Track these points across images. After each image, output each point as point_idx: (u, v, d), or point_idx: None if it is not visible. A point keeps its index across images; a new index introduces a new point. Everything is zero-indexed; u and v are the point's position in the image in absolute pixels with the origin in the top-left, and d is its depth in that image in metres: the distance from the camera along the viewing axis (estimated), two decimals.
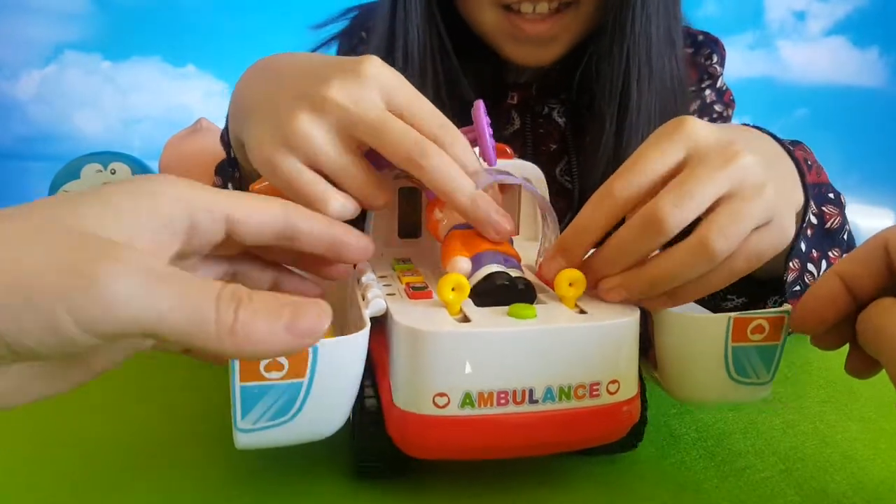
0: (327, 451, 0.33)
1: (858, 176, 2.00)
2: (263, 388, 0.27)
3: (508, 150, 0.43)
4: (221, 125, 0.66)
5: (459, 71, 0.62)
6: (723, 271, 0.31)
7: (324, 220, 0.30)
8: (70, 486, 0.34)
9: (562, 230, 0.35)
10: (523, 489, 0.34)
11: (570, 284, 0.31)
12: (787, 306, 0.32)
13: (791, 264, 0.44)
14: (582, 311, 0.31)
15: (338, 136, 0.34)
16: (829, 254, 0.47)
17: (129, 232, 0.23)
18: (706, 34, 0.71)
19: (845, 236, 0.49)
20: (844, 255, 0.35)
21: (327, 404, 0.29)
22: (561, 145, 0.66)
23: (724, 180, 0.31)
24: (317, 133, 0.34)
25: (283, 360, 0.27)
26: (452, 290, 0.30)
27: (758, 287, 0.47)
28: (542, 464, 0.36)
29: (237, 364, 0.26)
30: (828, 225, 0.47)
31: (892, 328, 0.27)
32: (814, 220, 0.45)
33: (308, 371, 0.27)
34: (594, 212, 0.32)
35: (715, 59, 0.71)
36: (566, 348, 0.29)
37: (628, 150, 0.57)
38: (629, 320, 0.31)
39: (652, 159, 0.31)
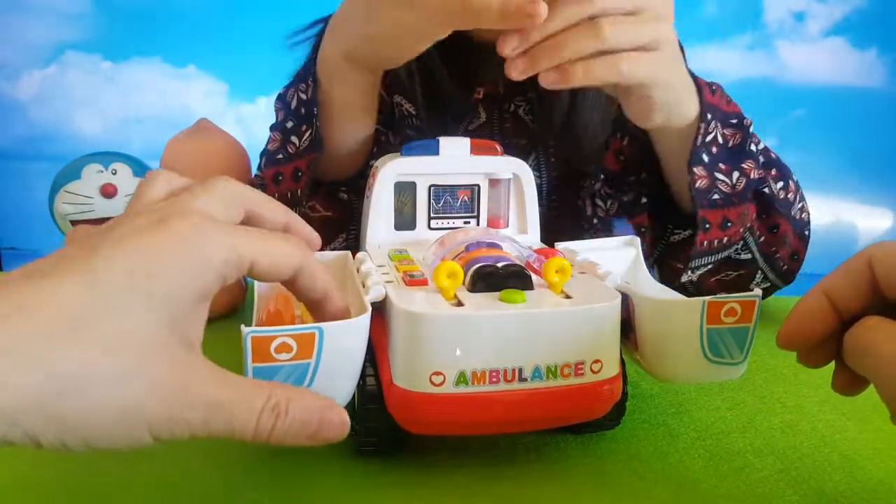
0: None
1: (858, 176, 2.01)
2: (274, 368, 0.29)
3: (498, 147, 0.45)
4: (222, 125, 0.66)
5: (436, 59, 0.66)
6: (608, 65, 0.42)
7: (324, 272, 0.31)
8: (68, 478, 0.34)
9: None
10: (521, 486, 0.34)
11: (557, 272, 0.34)
12: (757, 291, 0.33)
13: (696, 171, 0.53)
14: (568, 297, 0.34)
15: None
16: (742, 166, 0.55)
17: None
18: None
19: (753, 148, 0.57)
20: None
21: (333, 383, 0.30)
22: (529, 141, 0.70)
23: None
24: None
25: (291, 342, 0.28)
26: (448, 277, 0.32)
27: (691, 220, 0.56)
28: (540, 460, 0.36)
29: (249, 346, 0.28)
30: (730, 144, 0.56)
31: (880, 346, 0.27)
32: (719, 138, 0.54)
33: (315, 352, 0.29)
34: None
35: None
36: (552, 330, 0.32)
37: (583, 103, 0.65)
38: (611, 304, 0.33)
39: None
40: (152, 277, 0.24)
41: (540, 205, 0.71)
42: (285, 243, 0.29)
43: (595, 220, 0.75)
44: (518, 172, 0.45)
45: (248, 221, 0.30)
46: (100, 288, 0.24)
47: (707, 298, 0.33)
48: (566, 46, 0.41)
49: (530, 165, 0.71)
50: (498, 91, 0.69)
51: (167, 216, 0.26)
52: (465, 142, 0.43)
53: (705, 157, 0.53)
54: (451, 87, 0.67)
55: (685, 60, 0.53)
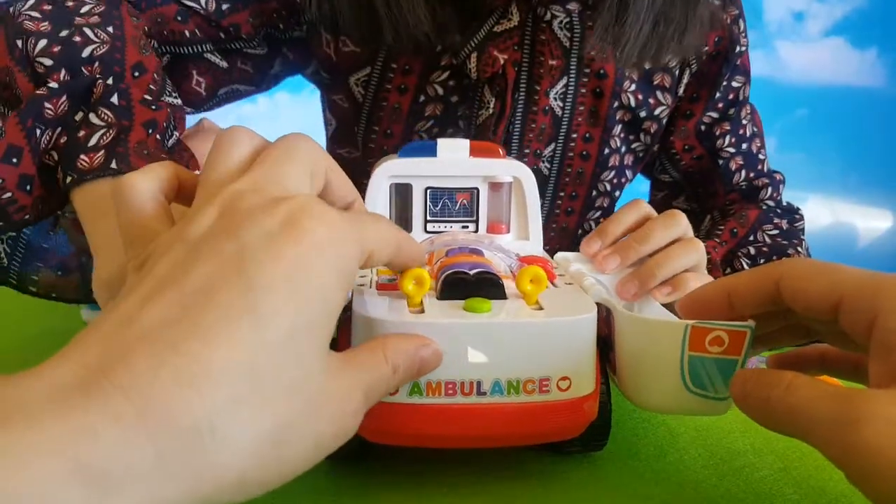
0: None
1: (858, 176, 2.01)
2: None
3: (501, 150, 0.43)
4: (222, 125, 0.66)
5: None
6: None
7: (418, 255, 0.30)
8: None
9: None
10: (519, 486, 0.34)
11: (531, 281, 0.32)
12: (750, 321, 0.31)
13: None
14: (541, 308, 0.32)
15: None
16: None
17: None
18: None
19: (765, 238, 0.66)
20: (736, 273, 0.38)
21: None
22: (562, 63, 0.62)
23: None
24: None
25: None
26: (414, 283, 0.30)
27: None
28: (539, 460, 0.36)
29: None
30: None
31: (813, 408, 0.25)
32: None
33: None
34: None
35: (742, 25, 0.68)
36: (515, 343, 0.30)
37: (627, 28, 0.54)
38: (582, 318, 0.31)
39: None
40: (310, 304, 0.22)
41: (559, 143, 0.65)
42: (387, 225, 0.28)
43: (623, 169, 0.69)
44: (519, 176, 0.43)
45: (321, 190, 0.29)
46: (269, 333, 0.21)
47: (691, 322, 0.30)
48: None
49: (558, 93, 0.64)
50: None
51: (295, 217, 0.23)
52: (464, 143, 0.42)
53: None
54: None
55: None
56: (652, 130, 0.67)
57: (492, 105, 0.61)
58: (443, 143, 0.42)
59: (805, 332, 0.33)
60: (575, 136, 0.65)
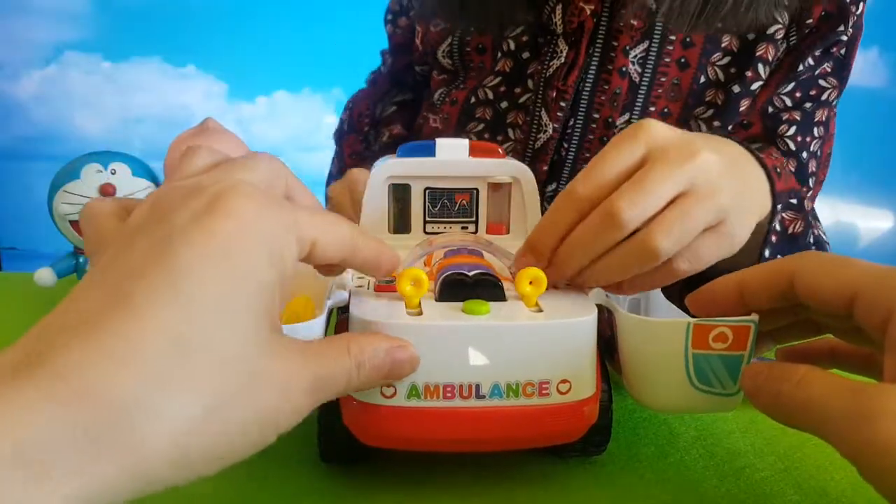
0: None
1: (858, 176, 2.01)
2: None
3: (500, 150, 0.43)
4: (224, 125, 0.66)
5: None
6: (665, 271, 0.33)
7: (376, 247, 0.29)
8: None
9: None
10: (519, 486, 0.34)
11: (531, 283, 0.31)
12: (754, 315, 0.30)
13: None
14: (541, 310, 0.31)
15: None
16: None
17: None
18: None
19: (810, 240, 0.51)
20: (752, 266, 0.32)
21: None
22: (644, 24, 0.58)
23: (681, 177, 0.31)
24: None
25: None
26: (411, 284, 0.30)
27: None
28: (539, 461, 0.36)
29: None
30: (790, 231, 0.48)
31: (825, 403, 0.24)
32: (777, 226, 0.46)
33: None
34: (558, 211, 0.33)
35: (861, 8, 0.59)
36: (514, 345, 0.29)
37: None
38: (583, 320, 0.31)
39: (611, 158, 0.32)
40: (239, 278, 0.22)
41: (635, 114, 0.59)
42: (338, 222, 0.27)
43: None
44: (518, 176, 0.43)
45: None
46: (195, 307, 0.21)
47: (693, 321, 0.30)
48: (621, 272, 0.33)
49: (637, 57, 0.58)
50: None
51: (223, 195, 0.23)
52: (463, 143, 0.42)
53: (767, 253, 0.47)
54: None
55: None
56: (741, 108, 0.59)
57: (564, 54, 0.58)
58: (442, 144, 0.42)
59: (815, 328, 0.33)
60: (653, 109, 0.59)
